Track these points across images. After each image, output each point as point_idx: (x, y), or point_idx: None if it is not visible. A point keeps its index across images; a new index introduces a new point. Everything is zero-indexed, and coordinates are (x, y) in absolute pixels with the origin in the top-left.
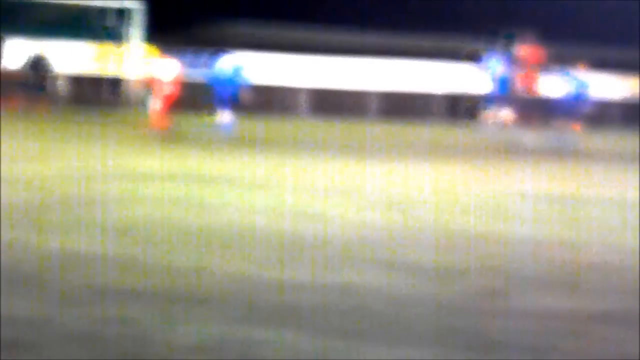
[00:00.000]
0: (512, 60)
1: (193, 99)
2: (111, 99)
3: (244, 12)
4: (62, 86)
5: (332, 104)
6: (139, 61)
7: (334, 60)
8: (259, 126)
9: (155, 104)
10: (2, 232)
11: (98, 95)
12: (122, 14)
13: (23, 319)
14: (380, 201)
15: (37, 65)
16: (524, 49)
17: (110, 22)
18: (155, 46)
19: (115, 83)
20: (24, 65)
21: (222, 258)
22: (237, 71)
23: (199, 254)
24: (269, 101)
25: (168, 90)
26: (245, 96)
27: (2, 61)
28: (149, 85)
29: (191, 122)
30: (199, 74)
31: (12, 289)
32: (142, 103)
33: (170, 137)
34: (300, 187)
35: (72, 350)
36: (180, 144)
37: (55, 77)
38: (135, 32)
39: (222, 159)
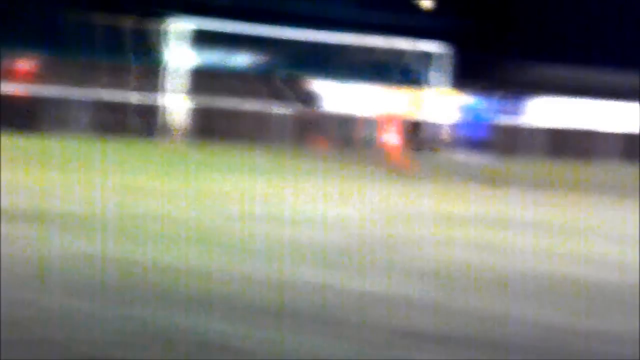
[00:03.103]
0: None
1: (506, 142)
2: (415, 141)
3: (549, 55)
4: (345, 127)
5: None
6: (442, 104)
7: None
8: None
9: (448, 146)
10: (303, 272)
11: (405, 139)
12: (426, 57)
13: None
14: None
15: (309, 103)
16: None
17: (415, 65)
18: (457, 89)
19: (415, 126)
20: (297, 103)
21: (524, 305)
22: (493, 111)
23: (501, 299)
24: (567, 145)
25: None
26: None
27: (310, 103)
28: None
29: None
30: (504, 117)
31: (319, 328)
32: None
33: (469, 180)
34: (592, 231)
35: None
36: (472, 186)
37: (334, 117)
38: (439, 75)
39: (506, 201)
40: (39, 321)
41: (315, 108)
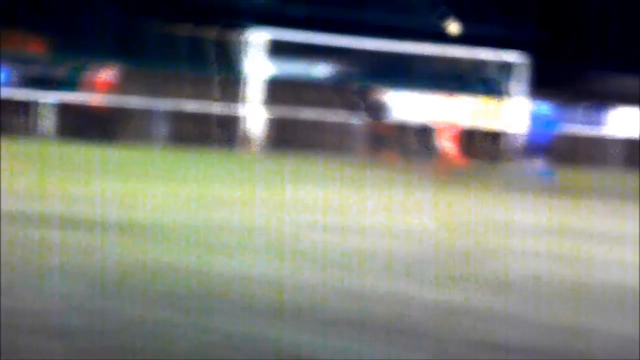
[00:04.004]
0: None
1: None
2: (492, 152)
3: (627, 66)
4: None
5: None
6: (519, 114)
7: None
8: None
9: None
10: (377, 283)
11: (480, 149)
12: (504, 67)
13: None
14: None
15: (382, 114)
16: None
17: (493, 75)
18: (535, 99)
19: (494, 137)
20: (370, 113)
21: (609, 319)
22: (554, 119)
23: (582, 312)
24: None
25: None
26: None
27: (383, 114)
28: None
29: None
30: (582, 128)
31: (391, 338)
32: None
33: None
34: None
35: None
36: (549, 197)
37: (408, 128)
38: (517, 85)
39: (584, 212)
40: (121, 330)
41: (387, 119)
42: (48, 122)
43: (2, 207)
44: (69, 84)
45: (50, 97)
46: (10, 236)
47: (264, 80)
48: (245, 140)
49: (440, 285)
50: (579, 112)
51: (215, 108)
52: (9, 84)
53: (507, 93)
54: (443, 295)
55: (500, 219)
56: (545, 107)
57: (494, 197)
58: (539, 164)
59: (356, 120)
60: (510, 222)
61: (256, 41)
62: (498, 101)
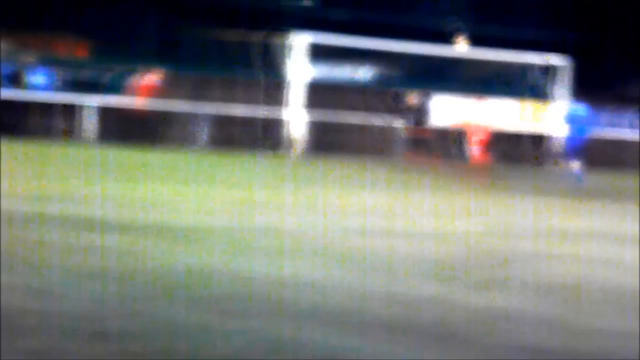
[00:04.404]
0: None
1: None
2: (531, 155)
3: None
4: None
5: None
6: (560, 118)
7: None
8: None
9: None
10: (416, 286)
11: (520, 153)
12: (547, 70)
13: None
14: None
15: (421, 118)
16: None
17: (535, 78)
18: (576, 102)
19: (534, 140)
20: (410, 117)
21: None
22: (593, 122)
23: (615, 314)
24: None
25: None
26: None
27: (424, 118)
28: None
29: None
30: (622, 132)
31: (437, 343)
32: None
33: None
34: None
35: None
36: (587, 200)
37: (441, 130)
38: (558, 88)
39: (620, 216)
40: (156, 333)
41: (428, 122)
42: (92, 125)
43: (53, 211)
44: (113, 88)
45: (94, 101)
46: (59, 239)
47: (306, 84)
48: (288, 143)
49: (480, 289)
50: (621, 115)
51: (258, 112)
52: (54, 87)
53: (549, 96)
54: (483, 299)
55: (538, 223)
56: (582, 110)
57: (532, 202)
58: (576, 167)
59: (397, 123)
60: (549, 226)
61: (298, 45)
62: (539, 104)
